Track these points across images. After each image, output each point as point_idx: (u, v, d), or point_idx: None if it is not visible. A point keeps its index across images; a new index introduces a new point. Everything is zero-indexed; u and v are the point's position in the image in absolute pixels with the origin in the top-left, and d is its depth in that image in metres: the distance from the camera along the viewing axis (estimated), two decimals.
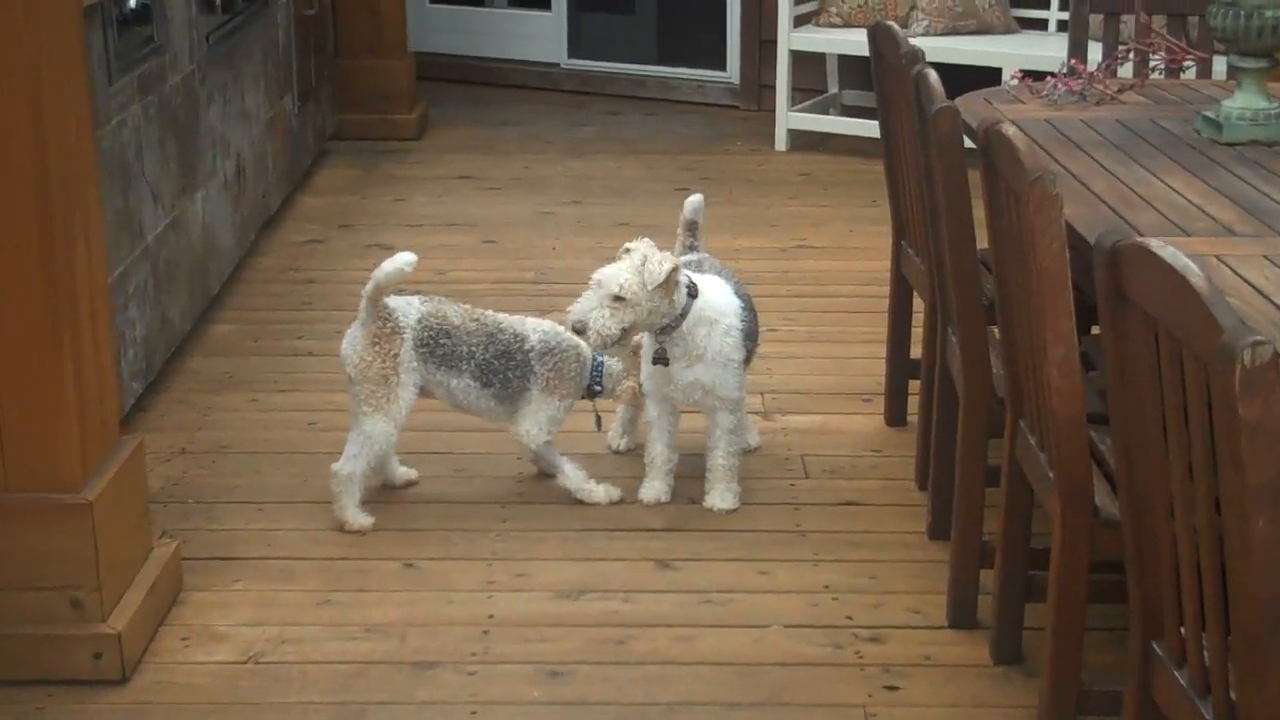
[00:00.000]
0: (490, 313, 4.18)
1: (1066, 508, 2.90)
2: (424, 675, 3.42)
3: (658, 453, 4.18)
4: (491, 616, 3.64)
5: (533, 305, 5.83)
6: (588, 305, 3.86)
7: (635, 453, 4.38)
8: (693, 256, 4.34)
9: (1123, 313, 2.40)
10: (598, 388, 4.19)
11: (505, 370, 4.09)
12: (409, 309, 4.05)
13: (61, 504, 3.33)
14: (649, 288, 3.84)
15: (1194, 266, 2.19)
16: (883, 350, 4.84)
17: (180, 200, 5.22)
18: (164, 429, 4.71)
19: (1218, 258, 3.07)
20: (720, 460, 4.14)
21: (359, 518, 4.04)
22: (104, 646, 3.37)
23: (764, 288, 5.92)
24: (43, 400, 3.30)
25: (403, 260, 3.92)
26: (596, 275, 3.88)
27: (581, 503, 4.17)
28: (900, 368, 4.70)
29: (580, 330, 3.86)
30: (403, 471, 4.31)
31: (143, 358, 4.77)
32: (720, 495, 4.15)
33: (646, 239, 3.99)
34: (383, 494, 4.26)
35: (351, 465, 4.02)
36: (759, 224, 6.76)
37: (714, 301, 4.03)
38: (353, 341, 4.02)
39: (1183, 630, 2.43)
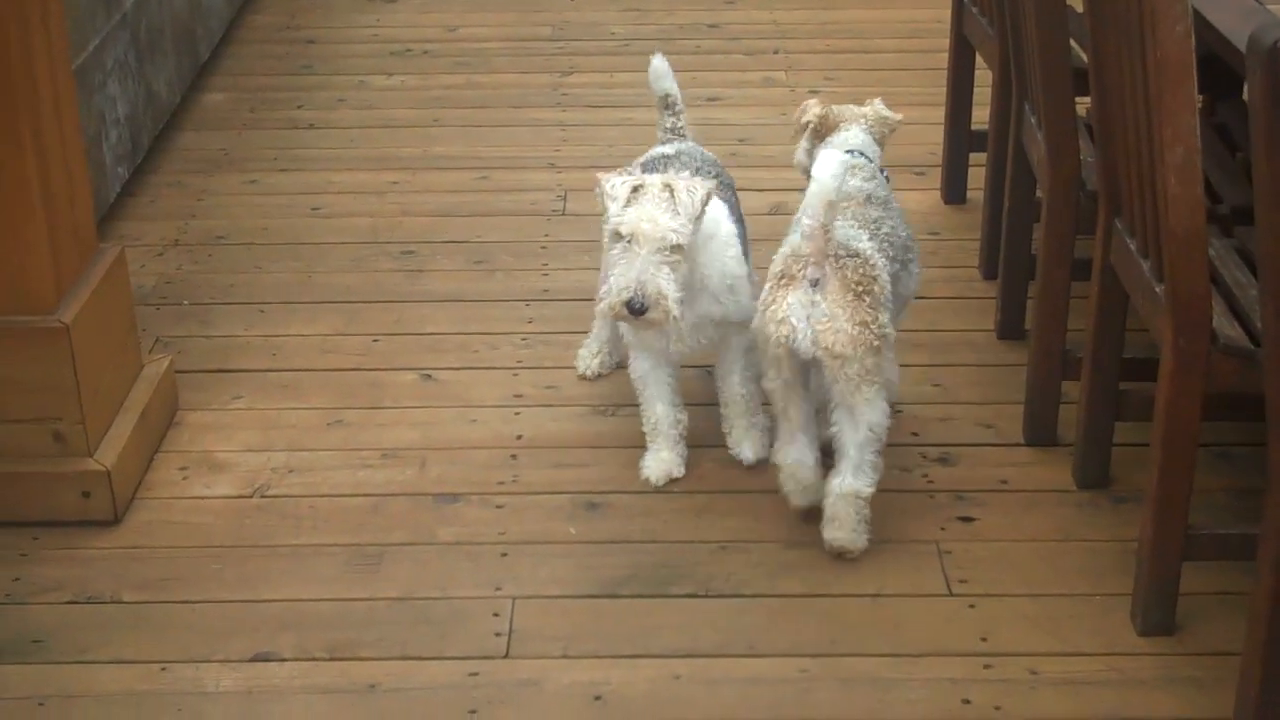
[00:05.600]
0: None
1: (1180, 333, 2.52)
2: (447, 510, 3.08)
3: (660, 415, 3.20)
4: (520, 438, 3.30)
5: (551, 66, 5.38)
6: (637, 272, 2.86)
7: None
8: (668, 149, 3.35)
9: None
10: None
11: None
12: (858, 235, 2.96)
13: (34, 328, 2.97)
14: (694, 222, 2.93)
15: None
16: (937, 115, 4.42)
17: None
18: (154, 218, 4.31)
19: None
20: (739, 389, 3.20)
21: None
22: (92, 484, 3.04)
23: (800, 42, 5.51)
24: (4, 210, 2.90)
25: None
26: (623, 230, 2.88)
27: None
28: (960, 139, 4.26)
29: (642, 310, 2.86)
30: None
31: (128, 138, 4.35)
32: (751, 444, 3.21)
33: None
34: (392, 291, 3.88)
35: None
36: None
37: (709, 214, 3.04)
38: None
39: None
